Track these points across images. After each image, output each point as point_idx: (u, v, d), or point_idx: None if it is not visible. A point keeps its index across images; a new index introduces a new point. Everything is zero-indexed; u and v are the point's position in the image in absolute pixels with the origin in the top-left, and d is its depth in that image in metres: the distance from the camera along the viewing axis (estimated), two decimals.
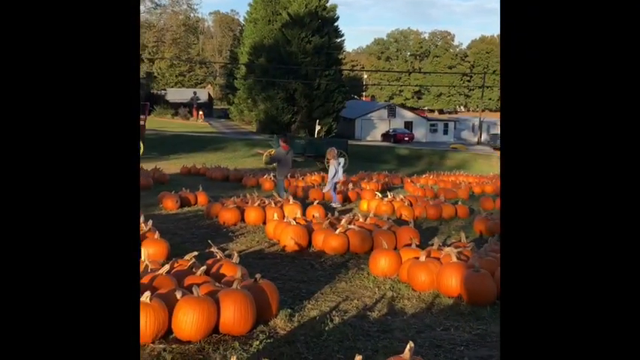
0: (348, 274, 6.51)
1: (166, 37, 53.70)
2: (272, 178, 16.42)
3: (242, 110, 57.17)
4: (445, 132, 60.36)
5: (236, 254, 5.48)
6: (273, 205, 10.15)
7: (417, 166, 30.38)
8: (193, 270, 5.19)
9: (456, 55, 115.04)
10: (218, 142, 32.43)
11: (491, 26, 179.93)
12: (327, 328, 4.53)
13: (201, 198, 12.25)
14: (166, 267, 4.83)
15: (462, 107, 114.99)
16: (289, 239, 7.69)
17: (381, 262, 6.34)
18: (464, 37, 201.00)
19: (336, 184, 13.47)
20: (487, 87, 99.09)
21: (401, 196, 12.07)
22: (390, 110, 59.84)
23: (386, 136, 54.40)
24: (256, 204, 10.07)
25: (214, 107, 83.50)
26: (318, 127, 38.41)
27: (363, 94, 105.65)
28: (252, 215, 9.79)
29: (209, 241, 6.92)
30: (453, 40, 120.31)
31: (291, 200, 10.39)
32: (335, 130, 49.33)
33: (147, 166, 18.47)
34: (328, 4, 49.57)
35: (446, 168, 30.05)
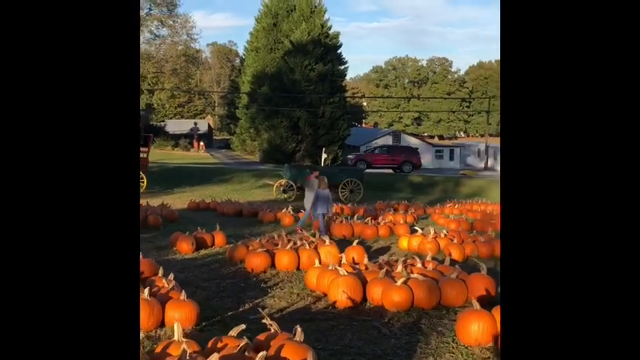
0: (430, 342, 5.15)
1: (166, 68, 52.69)
2: (290, 213, 15.12)
3: (244, 140, 56.09)
4: (451, 158, 59.16)
5: (299, 330, 4.12)
6: (307, 246, 8.82)
7: (432, 194, 29.06)
8: (246, 354, 3.84)
9: (455, 81, 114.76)
10: (223, 174, 31.14)
11: (487, 53, 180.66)
12: None
13: (219, 238, 10.92)
14: (215, 357, 3.47)
15: (461, 133, 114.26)
16: (341, 293, 6.33)
17: (473, 328, 4.99)
18: (461, 63, 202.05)
19: (324, 215, 12.47)
20: (487, 112, 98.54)
21: (444, 232, 10.74)
22: (395, 137, 58.74)
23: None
24: (288, 246, 8.73)
25: (214, 138, 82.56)
26: (324, 156, 37.24)
27: (364, 121, 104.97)
28: (284, 260, 8.45)
29: (260, 310, 5.55)
30: (450, 67, 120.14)
31: (327, 240, 9.06)
32: (341, 158, 48.12)
33: (153, 201, 17.19)
34: (331, 32, 48.81)
35: (462, 196, 28.71)
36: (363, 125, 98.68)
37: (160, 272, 6.68)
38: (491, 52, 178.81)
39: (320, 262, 8.40)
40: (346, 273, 6.59)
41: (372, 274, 6.87)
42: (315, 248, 8.86)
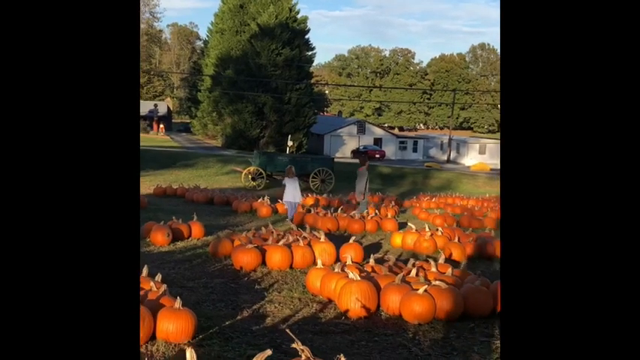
0: None
1: None
2: (267, 203, 14.27)
3: (206, 124, 54.60)
4: (414, 149, 59.07)
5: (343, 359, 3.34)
6: (300, 242, 8.02)
7: (402, 185, 28.57)
8: None
9: (417, 72, 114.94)
10: (187, 158, 29.92)
11: (447, 46, 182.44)
12: None
13: (196, 229, 10.04)
14: None
15: (421, 125, 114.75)
16: (354, 301, 5.57)
17: None
18: (423, 55, 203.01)
19: (295, 204, 12.76)
20: (447, 105, 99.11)
21: (440, 229, 10.09)
22: (360, 126, 58.23)
23: (356, 153, 52.68)
24: (281, 242, 7.92)
25: (173, 121, 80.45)
26: (290, 143, 36.37)
27: (326, 109, 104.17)
28: (276, 257, 7.63)
29: (287, 331, 4.73)
30: (413, 58, 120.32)
31: (322, 237, 8.28)
32: (305, 146, 47.34)
33: None
34: (299, 16, 47.78)
35: (432, 188, 28.38)
36: (325, 114, 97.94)
37: (145, 271, 5.79)
38: (452, 45, 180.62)
39: (315, 261, 7.67)
40: (358, 277, 5.83)
41: (384, 278, 6.12)
42: (309, 244, 8.08)
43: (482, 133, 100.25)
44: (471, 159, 54.12)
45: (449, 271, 6.38)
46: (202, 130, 58.04)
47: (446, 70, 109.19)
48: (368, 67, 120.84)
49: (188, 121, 72.88)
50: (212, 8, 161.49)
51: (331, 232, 11.25)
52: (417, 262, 7.10)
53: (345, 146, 55.45)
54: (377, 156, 51.13)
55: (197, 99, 57.28)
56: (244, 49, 46.47)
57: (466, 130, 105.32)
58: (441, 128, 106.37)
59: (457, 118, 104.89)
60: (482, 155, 54.78)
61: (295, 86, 45.78)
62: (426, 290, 5.61)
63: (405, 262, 7.88)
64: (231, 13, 49.11)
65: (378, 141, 57.40)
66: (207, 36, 59.52)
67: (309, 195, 18.31)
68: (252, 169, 23.23)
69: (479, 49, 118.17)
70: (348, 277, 5.92)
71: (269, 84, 44.93)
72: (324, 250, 7.93)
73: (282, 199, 13.36)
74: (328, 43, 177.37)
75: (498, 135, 76.48)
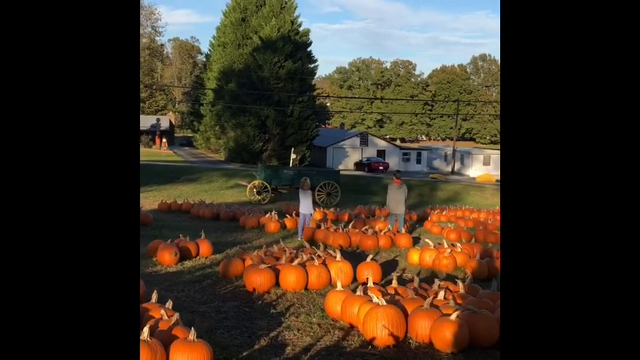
0: None
1: None
2: (275, 218, 13.86)
3: (208, 138, 54.28)
4: (418, 161, 58.61)
5: None
6: (315, 261, 7.60)
7: (408, 198, 28.05)
8: None
9: (418, 84, 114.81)
10: (191, 173, 29.54)
11: (447, 57, 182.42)
12: None
13: (205, 248, 9.64)
14: None
15: (423, 136, 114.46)
16: (381, 328, 5.15)
17: None
18: (424, 67, 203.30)
19: (309, 215, 12.43)
20: (449, 116, 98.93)
21: (459, 245, 9.67)
22: (363, 138, 57.81)
23: (359, 165, 52.23)
24: (296, 262, 7.51)
25: (175, 135, 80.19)
26: (293, 156, 35.99)
27: (327, 122, 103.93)
28: (290, 278, 7.22)
29: None
30: (414, 70, 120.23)
31: (338, 256, 7.87)
32: (308, 158, 46.95)
33: None
34: (301, 29, 47.60)
35: (440, 200, 27.98)
36: (327, 126, 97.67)
37: (154, 297, 5.39)
38: (452, 56, 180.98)
39: (331, 281, 7.30)
40: (384, 302, 5.41)
41: (411, 302, 5.71)
42: (324, 263, 7.67)
43: (485, 144, 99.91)
44: (476, 170, 53.68)
45: (480, 293, 5.97)
46: (205, 143, 57.71)
47: (447, 82, 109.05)
48: (369, 79, 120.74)
49: (190, 135, 72.61)
50: (213, 23, 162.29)
51: (343, 248, 10.83)
52: (443, 283, 6.68)
53: (348, 158, 55.02)
54: (380, 168, 50.62)
55: (199, 113, 57.01)
56: (246, 63, 46.23)
57: (468, 140, 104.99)
58: (443, 139, 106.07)
59: (459, 129, 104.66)
60: (486, 166, 54.37)
61: (298, 99, 45.47)
62: (458, 316, 5.21)
63: (427, 281, 7.49)
64: (233, 26, 48.93)
65: (381, 153, 56.95)
66: (209, 50, 59.37)
67: (316, 209, 17.89)
68: (257, 183, 22.83)
69: (480, 60, 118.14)
70: (371, 301, 5.51)
71: (271, 97, 44.64)
72: (340, 269, 7.52)
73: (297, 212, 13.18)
74: (329, 55, 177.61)
75: None
